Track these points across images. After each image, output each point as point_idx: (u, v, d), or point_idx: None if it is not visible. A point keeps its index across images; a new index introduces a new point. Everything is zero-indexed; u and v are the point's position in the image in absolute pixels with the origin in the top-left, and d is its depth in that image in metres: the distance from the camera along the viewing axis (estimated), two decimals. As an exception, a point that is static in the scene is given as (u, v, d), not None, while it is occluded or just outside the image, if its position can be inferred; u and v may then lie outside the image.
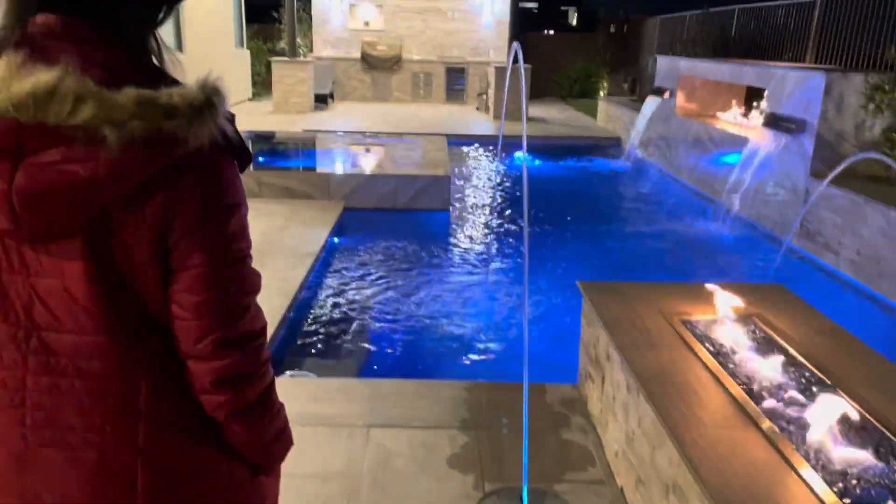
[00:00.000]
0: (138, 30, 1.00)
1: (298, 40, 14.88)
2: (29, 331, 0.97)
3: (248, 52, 16.17)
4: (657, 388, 2.28)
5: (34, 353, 0.97)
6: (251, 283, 1.06)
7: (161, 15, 1.03)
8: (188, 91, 0.92)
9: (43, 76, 0.85)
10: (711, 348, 2.59)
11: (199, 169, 0.94)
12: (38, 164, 0.87)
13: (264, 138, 9.41)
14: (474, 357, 4.15)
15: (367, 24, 17.25)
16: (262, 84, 17.35)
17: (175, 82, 0.98)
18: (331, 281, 5.19)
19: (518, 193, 8.01)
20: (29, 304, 0.96)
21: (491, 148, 11.28)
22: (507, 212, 7.46)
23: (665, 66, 10.25)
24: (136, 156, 0.88)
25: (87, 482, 1.00)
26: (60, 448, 0.99)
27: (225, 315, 0.99)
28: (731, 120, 8.91)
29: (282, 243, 5.38)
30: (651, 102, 9.95)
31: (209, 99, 0.93)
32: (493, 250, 6.22)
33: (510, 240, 6.51)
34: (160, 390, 1.01)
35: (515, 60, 2.79)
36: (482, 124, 13.11)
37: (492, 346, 4.29)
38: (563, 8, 69.30)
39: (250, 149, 1.20)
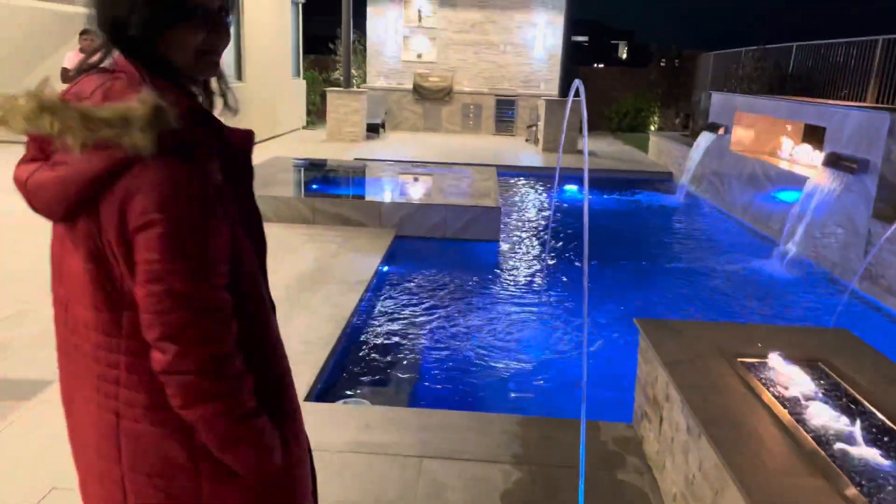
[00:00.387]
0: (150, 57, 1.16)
1: (353, 71, 15.23)
2: (65, 299, 1.22)
3: (303, 81, 16.61)
4: (720, 432, 2.22)
5: (67, 318, 1.22)
6: (195, 287, 1.08)
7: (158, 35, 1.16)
8: (122, 105, 1.04)
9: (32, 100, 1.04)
10: (775, 393, 2.52)
11: (138, 173, 1.05)
12: (46, 165, 1.13)
13: (317, 166, 9.62)
14: (525, 391, 4.12)
15: (419, 56, 17.58)
16: (316, 113, 17.79)
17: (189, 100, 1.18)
18: (382, 308, 5.24)
19: (570, 229, 7.99)
20: (63, 277, 1.21)
21: (541, 180, 11.30)
22: (559, 244, 7.43)
23: (720, 102, 10.15)
24: (87, 159, 1.05)
25: (93, 432, 1.22)
26: (80, 401, 1.24)
27: (165, 312, 1.06)
28: (789, 157, 8.74)
29: (334, 270, 5.46)
30: (705, 138, 9.84)
31: (147, 111, 1.03)
32: (544, 283, 6.19)
33: (561, 273, 6.47)
34: (135, 365, 1.15)
35: (576, 95, 2.81)
36: (532, 156, 13.16)
37: (542, 380, 4.25)
38: (613, 42, 69.53)
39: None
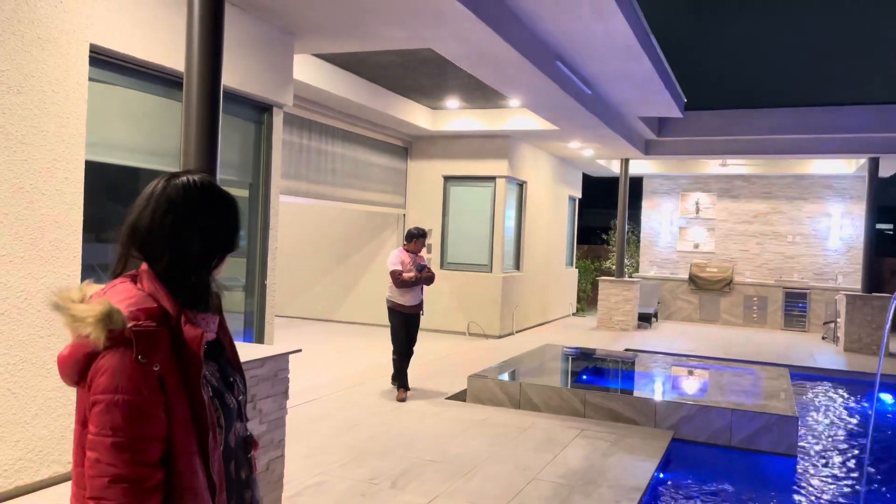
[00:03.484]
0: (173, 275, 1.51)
1: (625, 260, 15.34)
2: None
3: (576, 270, 17.11)
4: None
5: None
6: (118, 459, 1.32)
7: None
8: (87, 306, 1.36)
9: None
10: None
11: (100, 359, 1.37)
12: (67, 346, 1.43)
13: (587, 355, 9.52)
14: None
15: (696, 246, 17.20)
16: (586, 300, 18.03)
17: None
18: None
19: (886, 447, 6.68)
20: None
21: (844, 386, 9.82)
22: (880, 468, 6.21)
23: None
24: (82, 344, 1.37)
25: None
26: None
27: (93, 476, 1.34)
28: None
29: (605, 472, 5.13)
30: None
31: (97, 313, 1.33)
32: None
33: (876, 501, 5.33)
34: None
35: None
36: (831, 356, 11.61)
37: None
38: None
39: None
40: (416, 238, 7.33)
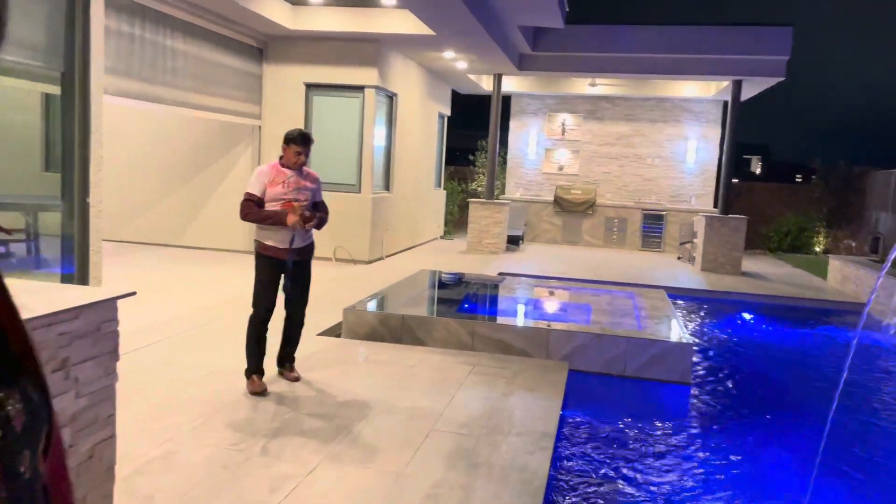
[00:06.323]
0: None
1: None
2: None
3: (444, 192, 16.48)
4: None
5: None
6: None
7: None
8: None
9: None
10: None
11: None
12: None
13: (467, 282, 8.95)
14: None
15: (561, 168, 17.12)
16: (453, 223, 17.55)
17: None
18: (575, 468, 4.23)
19: (766, 371, 6.72)
20: None
21: (707, 305, 10.05)
22: (758, 389, 6.19)
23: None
24: None
25: None
26: None
27: None
28: None
29: (509, 415, 4.55)
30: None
31: None
32: (753, 440, 4.97)
33: (770, 427, 5.23)
34: None
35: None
36: (691, 276, 11.94)
37: None
38: (745, 157, 67.07)
39: None
40: (295, 143, 4.66)
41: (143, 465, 3.52)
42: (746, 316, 9.58)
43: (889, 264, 4.74)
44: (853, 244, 16.09)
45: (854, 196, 16.85)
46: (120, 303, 2.85)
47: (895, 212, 14.29)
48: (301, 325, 5.00)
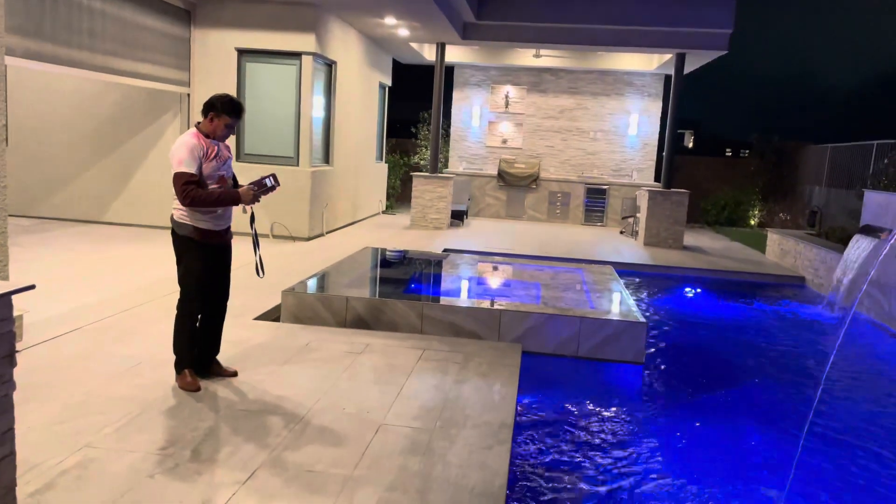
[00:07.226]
0: None
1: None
2: None
3: (385, 166, 16.03)
4: None
5: None
6: None
7: None
8: None
9: None
10: None
11: None
12: None
13: (413, 260, 8.62)
14: None
15: (505, 141, 16.90)
16: (395, 197, 17.14)
17: None
18: (536, 461, 4.01)
19: (717, 346, 6.68)
20: None
21: (656, 280, 10.04)
22: (714, 368, 6.12)
23: (877, 201, 8.82)
24: None
25: None
26: None
27: None
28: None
29: (463, 406, 4.29)
30: (860, 242, 8.47)
31: None
32: (711, 418, 4.88)
33: (725, 403, 5.15)
34: None
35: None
36: (634, 251, 11.94)
37: None
38: (679, 131, 68.58)
39: None
40: (228, 115, 4.10)
41: (54, 477, 3.10)
42: (691, 291, 9.60)
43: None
44: (787, 217, 16.49)
45: (788, 170, 17.24)
46: (27, 298, 2.42)
47: (829, 186, 14.65)
48: (224, 318, 4.51)
